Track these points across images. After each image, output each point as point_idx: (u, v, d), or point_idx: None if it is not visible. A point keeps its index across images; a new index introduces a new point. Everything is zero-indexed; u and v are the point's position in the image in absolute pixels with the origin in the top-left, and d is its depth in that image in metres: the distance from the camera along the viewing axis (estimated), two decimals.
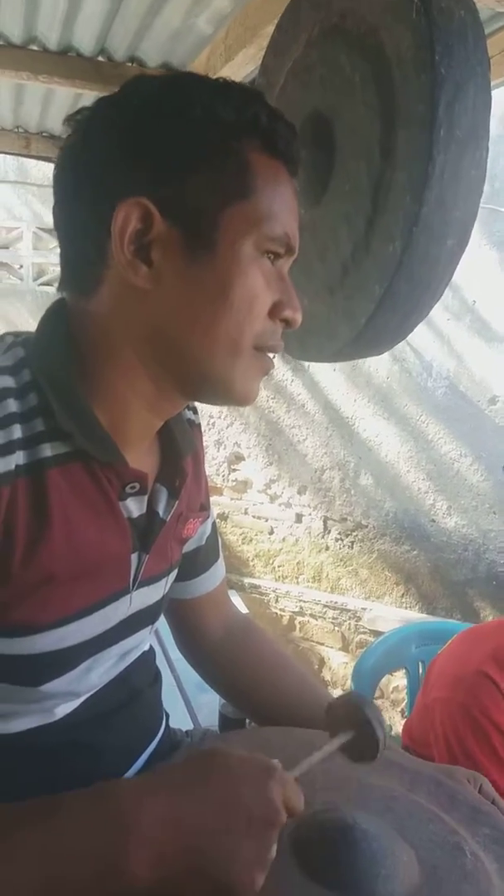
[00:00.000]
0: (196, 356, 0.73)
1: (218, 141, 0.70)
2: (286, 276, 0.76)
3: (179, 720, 1.15)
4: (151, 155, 0.70)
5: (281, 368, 4.24)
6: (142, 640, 0.90)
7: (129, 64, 2.33)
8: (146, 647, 0.97)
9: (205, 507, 0.98)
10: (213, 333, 0.72)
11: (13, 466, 0.66)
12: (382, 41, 1.07)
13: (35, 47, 2.27)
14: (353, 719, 0.72)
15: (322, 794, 0.77)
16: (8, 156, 3.79)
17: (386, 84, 1.05)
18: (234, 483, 4.43)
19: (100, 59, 2.31)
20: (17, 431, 0.67)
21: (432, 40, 0.99)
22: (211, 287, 0.70)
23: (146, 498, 0.79)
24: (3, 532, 0.66)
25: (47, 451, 0.69)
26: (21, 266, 4.63)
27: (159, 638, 1.67)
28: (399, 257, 1.01)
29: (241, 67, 1.94)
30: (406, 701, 1.99)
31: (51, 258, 4.50)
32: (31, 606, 0.70)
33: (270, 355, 0.77)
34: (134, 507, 0.78)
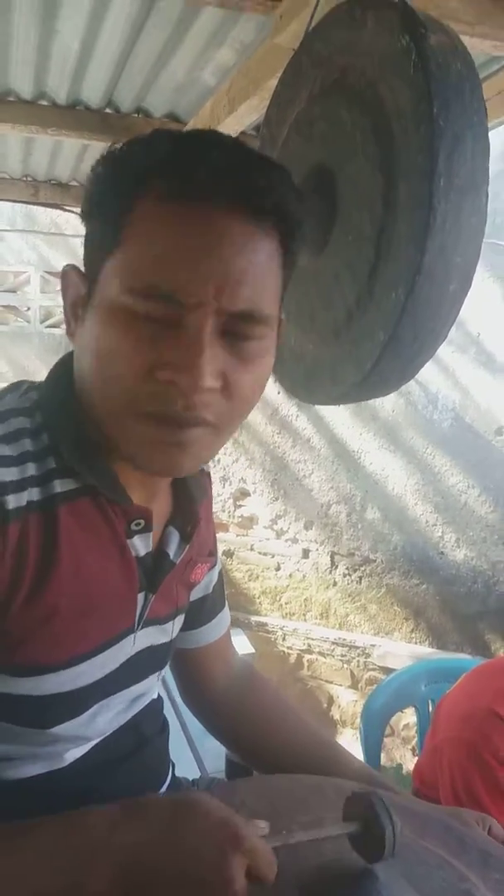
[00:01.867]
0: (96, 415, 0.72)
1: (105, 195, 0.69)
2: (189, 332, 0.65)
3: (186, 768, 1.15)
4: (83, 223, 0.73)
5: (286, 404, 4.26)
6: (150, 687, 0.90)
7: (136, 115, 2.39)
8: (155, 696, 0.97)
9: (212, 553, 0.99)
10: (93, 391, 0.71)
11: (25, 502, 0.69)
12: (382, 96, 1.11)
13: (45, 102, 2.33)
14: (366, 814, 0.70)
15: (332, 842, 0.76)
16: (16, 204, 3.87)
17: (386, 137, 1.09)
18: (240, 519, 4.42)
19: (107, 110, 2.37)
20: (31, 469, 0.70)
21: (430, 94, 1.03)
22: (86, 342, 0.71)
23: (151, 536, 0.80)
24: (14, 565, 0.68)
25: (58, 487, 0.72)
26: (29, 308, 4.70)
27: (165, 685, 1.67)
28: (403, 304, 1.03)
29: (245, 118, 1.98)
30: (416, 739, 1.97)
31: (58, 301, 4.50)
32: (39, 644, 0.71)
33: (178, 429, 0.68)
34: (140, 545, 0.80)
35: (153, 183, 0.65)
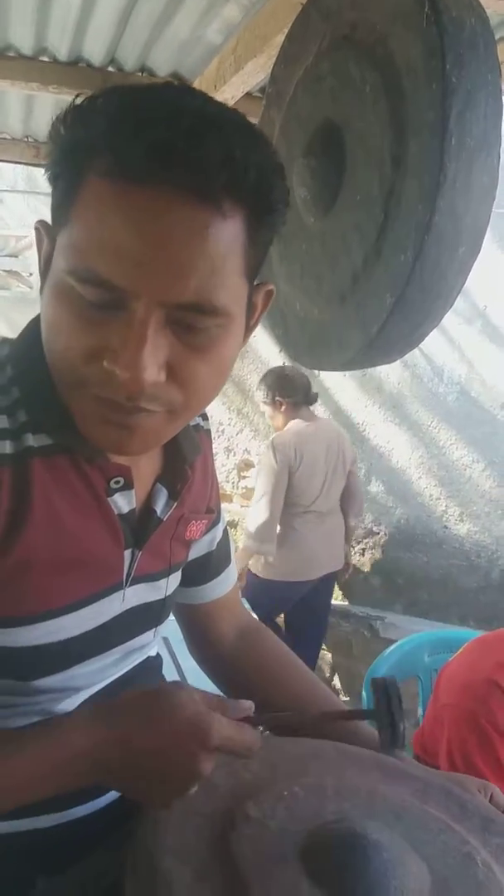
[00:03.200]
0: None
1: (61, 162, 0.63)
2: (132, 322, 0.61)
3: None
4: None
5: None
6: (145, 643, 0.91)
7: (140, 74, 2.34)
8: (152, 653, 0.98)
9: (212, 510, 0.98)
10: (48, 361, 0.68)
11: None
12: (393, 51, 1.08)
13: (45, 58, 2.28)
14: (375, 702, 0.72)
15: (332, 803, 0.76)
16: (17, 165, 3.81)
17: (396, 94, 1.06)
18: (244, 490, 4.42)
19: (110, 69, 2.32)
20: (1, 422, 0.69)
21: (443, 49, 1.00)
22: (42, 309, 0.68)
23: (133, 493, 0.79)
24: None
25: (31, 441, 0.71)
26: (31, 274, 4.67)
27: (169, 647, 1.67)
28: (411, 266, 1.01)
29: (251, 76, 1.94)
30: (420, 710, 1.98)
31: None
32: (11, 597, 0.71)
33: (124, 414, 0.65)
34: (123, 502, 0.79)
35: (100, 157, 0.59)
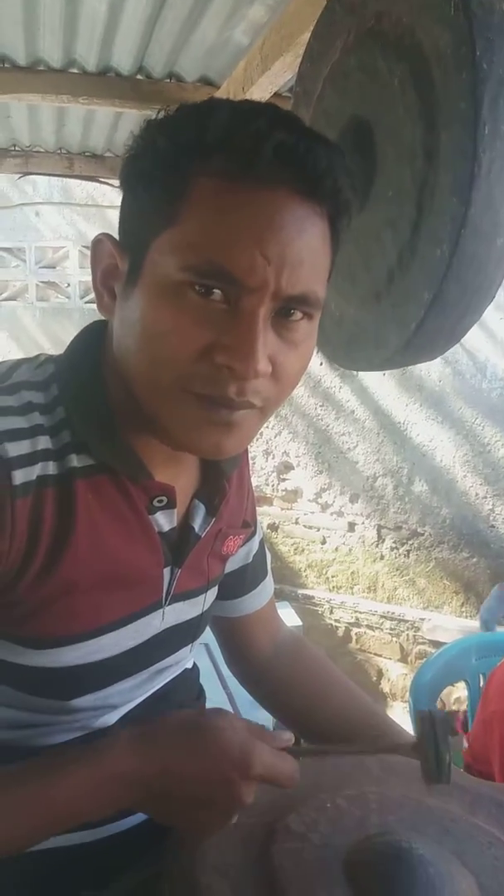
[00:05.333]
0: (137, 394, 0.70)
1: (156, 169, 0.66)
2: (245, 315, 0.64)
3: None
4: (123, 193, 0.71)
5: (329, 375, 4.21)
6: (181, 658, 0.90)
7: (168, 80, 2.35)
8: (188, 665, 0.97)
9: (249, 525, 0.97)
10: (137, 370, 0.69)
11: (34, 477, 0.68)
12: (420, 41, 1.05)
13: (75, 70, 2.31)
14: (418, 735, 0.69)
15: (376, 816, 0.74)
16: (52, 178, 3.87)
17: (426, 84, 1.03)
18: (284, 493, 4.40)
19: (138, 77, 2.33)
20: (42, 443, 0.69)
21: (472, 36, 0.97)
22: (132, 320, 0.68)
23: (175, 512, 0.79)
24: (26, 540, 0.68)
25: (75, 461, 0.71)
26: (68, 285, 4.71)
27: (211, 654, 1.67)
28: (447, 260, 0.98)
29: (279, 76, 1.92)
30: (468, 713, 1.94)
31: None
32: (55, 617, 0.72)
33: (227, 411, 0.67)
34: (164, 520, 0.79)
35: (213, 158, 0.63)
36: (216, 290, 0.63)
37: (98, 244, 0.72)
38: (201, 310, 0.64)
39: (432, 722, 0.68)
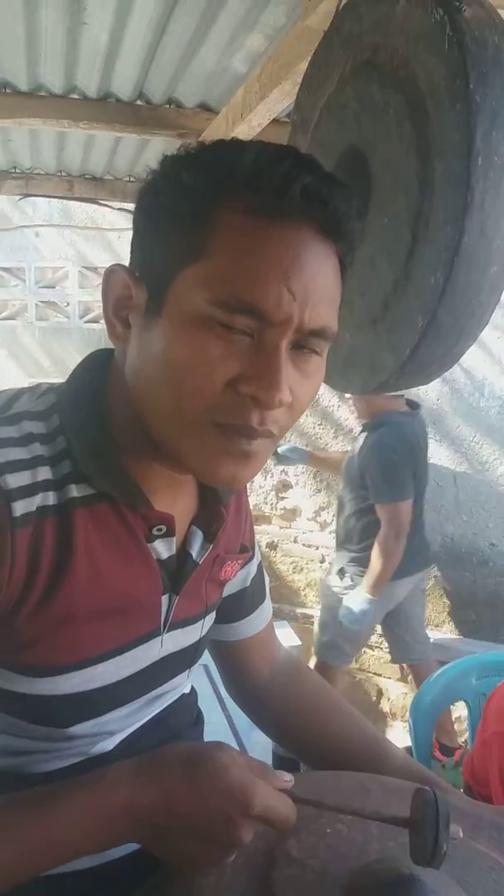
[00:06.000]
0: (152, 423, 0.71)
1: (182, 204, 0.67)
2: (269, 348, 0.66)
3: None
4: (139, 224, 0.73)
5: (327, 394, 4.22)
6: (179, 684, 0.90)
7: (167, 106, 2.38)
8: (186, 690, 0.97)
9: (247, 549, 0.97)
10: (157, 400, 0.69)
11: (34, 508, 0.68)
12: (415, 73, 1.07)
13: (76, 95, 2.34)
14: (420, 812, 0.66)
15: (376, 843, 0.74)
16: (52, 199, 3.90)
17: (421, 116, 1.05)
18: (283, 511, 4.40)
19: (138, 102, 2.37)
20: (43, 473, 0.70)
21: (466, 70, 0.99)
22: (155, 351, 0.68)
23: (174, 540, 0.80)
24: (26, 570, 0.68)
25: (74, 491, 0.71)
26: (68, 304, 4.74)
27: (210, 676, 1.66)
28: (442, 287, 1.00)
29: (276, 104, 1.95)
30: (468, 734, 1.93)
31: (96, 296, 4.56)
32: (53, 646, 0.72)
33: (247, 440, 0.68)
34: (163, 548, 0.79)
35: (242, 196, 0.65)
36: (242, 324, 0.65)
37: (111, 274, 0.73)
38: (227, 342, 0.66)
39: (434, 804, 0.65)
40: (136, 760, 0.68)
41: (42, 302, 4.76)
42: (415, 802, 0.67)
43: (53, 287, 4.74)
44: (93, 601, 0.73)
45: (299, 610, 4.29)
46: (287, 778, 0.69)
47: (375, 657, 3.95)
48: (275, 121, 2.17)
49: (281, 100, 1.91)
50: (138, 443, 0.73)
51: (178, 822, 0.64)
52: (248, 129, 2.10)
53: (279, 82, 1.80)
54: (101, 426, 0.74)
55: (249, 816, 0.64)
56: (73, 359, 5.09)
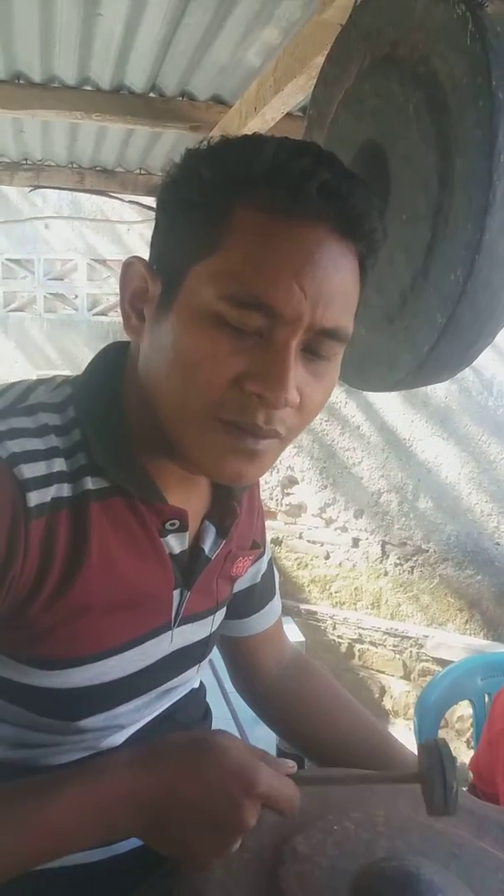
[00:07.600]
0: (160, 415, 0.71)
1: (199, 198, 0.67)
2: (277, 346, 0.65)
3: None
4: (158, 217, 0.72)
5: (335, 391, 4.20)
6: (188, 679, 0.91)
7: (180, 98, 2.38)
8: (195, 685, 0.97)
9: (258, 545, 0.97)
10: (165, 394, 0.69)
11: (49, 499, 0.68)
12: (436, 69, 1.06)
13: (88, 87, 2.33)
14: (426, 763, 0.68)
15: (384, 841, 0.74)
16: (62, 191, 3.89)
17: (441, 112, 1.04)
18: (289, 507, 4.40)
19: (151, 95, 2.36)
20: (58, 465, 0.70)
21: (489, 66, 0.98)
22: (164, 344, 0.68)
23: (187, 535, 0.80)
24: (39, 562, 0.68)
25: (89, 484, 0.71)
26: (76, 296, 4.73)
27: (215, 670, 1.66)
28: (462, 286, 0.99)
29: (291, 97, 1.94)
30: (472, 733, 1.93)
31: (104, 289, 4.58)
32: (65, 639, 0.72)
33: (254, 439, 0.68)
34: (175, 543, 0.79)
35: (258, 191, 0.64)
36: (251, 320, 0.64)
37: (129, 266, 0.73)
38: (235, 338, 0.65)
39: (438, 751, 0.67)
40: (138, 747, 0.68)
41: (51, 294, 4.76)
42: (420, 757, 0.68)
43: (62, 279, 4.73)
44: (107, 593, 0.73)
45: (303, 606, 4.29)
46: (290, 764, 0.69)
47: (379, 654, 3.95)
48: (288, 115, 2.15)
49: (295, 94, 1.90)
50: (152, 437, 0.73)
51: (180, 809, 0.63)
52: (261, 122, 2.09)
53: (294, 76, 1.79)
54: (117, 419, 0.74)
55: (253, 797, 0.63)
56: (81, 351, 5.10)
